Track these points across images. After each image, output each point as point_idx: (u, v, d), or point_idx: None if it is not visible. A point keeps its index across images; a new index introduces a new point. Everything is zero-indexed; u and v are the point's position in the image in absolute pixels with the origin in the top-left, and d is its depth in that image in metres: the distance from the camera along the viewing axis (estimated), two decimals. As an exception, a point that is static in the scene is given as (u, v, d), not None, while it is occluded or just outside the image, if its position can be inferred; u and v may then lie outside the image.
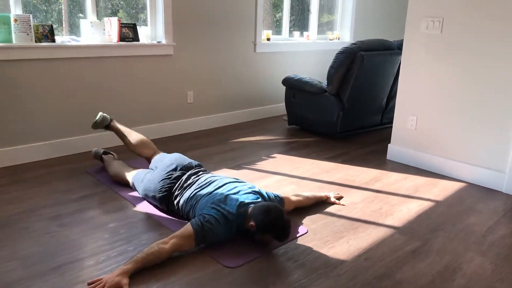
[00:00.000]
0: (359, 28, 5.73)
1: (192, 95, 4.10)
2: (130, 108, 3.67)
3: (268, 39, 4.71)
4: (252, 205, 2.15)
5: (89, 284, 1.78)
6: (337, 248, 2.16)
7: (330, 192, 2.78)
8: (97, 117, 2.97)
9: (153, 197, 2.45)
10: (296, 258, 2.07)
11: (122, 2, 3.73)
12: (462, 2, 2.96)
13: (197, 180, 2.40)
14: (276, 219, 2.05)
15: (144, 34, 3.68)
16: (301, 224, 2.40)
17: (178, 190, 2.38)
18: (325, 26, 5.64)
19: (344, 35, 5.69)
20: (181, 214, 2.38)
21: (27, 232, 2.19)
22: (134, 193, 2.69)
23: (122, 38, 3.49)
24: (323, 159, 3.53)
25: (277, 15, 5.10)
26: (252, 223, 2.05)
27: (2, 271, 1.86)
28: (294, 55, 5.00)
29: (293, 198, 2.52)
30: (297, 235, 2.27)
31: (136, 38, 3.58)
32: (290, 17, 5.10)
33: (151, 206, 2.52)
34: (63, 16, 3.40)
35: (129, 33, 3.54)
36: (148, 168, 2.72)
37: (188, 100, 4.08)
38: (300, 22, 5.32)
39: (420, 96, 3.31)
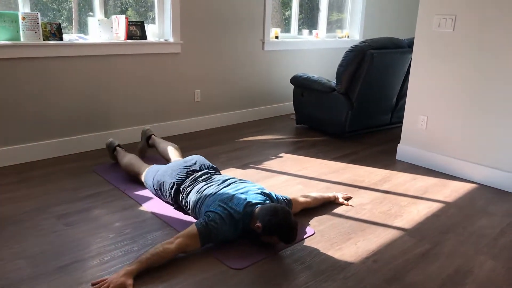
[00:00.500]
0: (369, 26, 5.66)
1: (199, 94, 4.08)
2: (137, 106, 3.66)
3: (277, 37, 4.67)
4: (260, 205, 2.13)
5: (93, 284, 1.77)
6: (344, 250, 2.13)
7: (338, 193, 2.74)
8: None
9: (167, 185, 2.43)
10: (303, 260, 2.04)
11: (131, 1, 3.72)
12: (475, -1, 2.90)
13: (209, 178, 2.42)
14: (283, 221, 2.02)
15: (152, 32, 3.67)
16: (308, 225, 2.36)
17: (190, 182, 2.39)
18: (334, 24, 5.59)
19: (353, 33, 5.63)
20: (186, 208, 2.37)
21: (34, 230, 2.19)
22: (141, 192, 2.68)
23: (129, 36, 3.48)
24: (331, 159, 3.48)
25: (286, 13, 5.06)
26: (258, 224, 2.03)
27: (10, 270, 1.86)
28: (302, 53, 4.95)
29: (301, 199, 2.49)
30: (304, 237, 2.24)
31: (143, 36, 3.57)
32: (299, 15, 5.05)
33: (157, 206, 2.51)
34: (73, 15, 3.40)
35: (136, 31, 3.53)
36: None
37: (196, 99, 4.06)
38: (309, 20, 5.27)
39: (430, 95, 3.25)
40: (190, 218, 2.37)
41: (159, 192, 2.53)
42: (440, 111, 3.21)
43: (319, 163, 3.38)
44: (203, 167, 2.53)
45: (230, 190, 2.24)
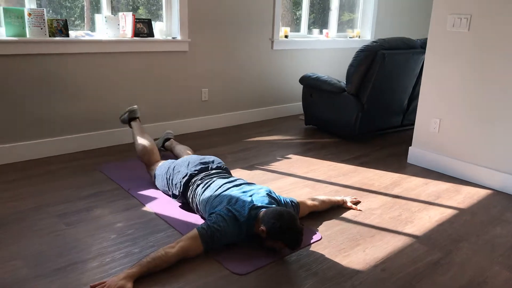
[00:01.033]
0: (381, 25, 5.56)
1: (207, 93, 4.02)
2: (143, 105, 3.61)
3: (286, 36, 4.60)
4: (264, 209, 2.06)
5: (92, 287, 1.72)
6: (352, 257, 2.05)
7: (347, 196, 2.66)
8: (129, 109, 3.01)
9: (180, 174, 2.40)
10: (309, 266, 1.96)
11: (143, -1, 3.69)
12: (492, -2, 2.80)
13: (220, 177, 2.37)
14: (289, 225, 1.94)
15: (159, 29, 3.62)
16: (316, 230, 2.29)
17: (202, 177, 2.36)
18: (345, 24, 5.49)
19: (365, 33, 5.53)
20: (192, 202, 2.34)
21: (34, 230, 2.14)
22: (145, 192, 2.62)
23: (136, 33, 3.43)
24: (341, 161, 3.40)
25: (297, 13, 4.98)
26: (262, 227, 1.96)
27: (7, 270, 1.81)
28: (312, 53, 4.87)
29: (309, 202, 2.41)
30: (311, 242, 2.16)
31: (151, 33, 3.52)
32: (311, 15, 4.97)
33: (161, 206, 2.45)
34: (85, 12, 3.36)
35: (143, 28, 3.48)
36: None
37: (203, 98, 4.00)
38: (320, 20, 5.18)
39: (444, 97, 3.15)
40: (194, 220, 2.30)
41: (169, 181, 2.47)
42: (454, 114, 3.11)
43: (327, 165, 3.30)
44: (219, 167, 2.50)
45: (236, 191, 2.18)
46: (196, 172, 2.41)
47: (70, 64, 3.14)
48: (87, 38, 3.19)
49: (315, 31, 5.08)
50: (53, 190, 2.61)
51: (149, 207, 2.44)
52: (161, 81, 3.68)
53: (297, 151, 3.60)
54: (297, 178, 3.00)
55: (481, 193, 2.89)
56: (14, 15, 2.86)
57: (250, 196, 2.14)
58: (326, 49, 5.01)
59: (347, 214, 2.49)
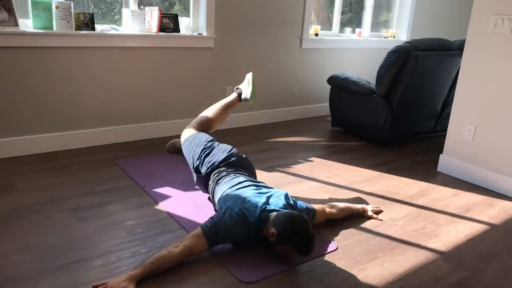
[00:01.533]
0: (418, 26, 5.31)
1: (231, 90, 3.94)
2: (166, 101, 3.59)
3: (317, 35, 4.46)
4: (276, 212, 1.96)
5: (94, 287, 1.68)
6: (368, 271, 1.92)
7: (368, 205, 2.52)
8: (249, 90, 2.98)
9: (215, 156, 2.44)
10: (321, 278, 1.85)
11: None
12: (539, -3, 2.57)
13: (244, 175, 2.32)
14: (300, 229, 1.85)
15: (185, 25, 3.58)
16: (332, 239, 2.17)
17: (231, 170, 2.34)
18: (382, 25, 5.28)
19: (400, 33, 5.30)
20: (209, 189, 2.37)
21: (46, 223, 2.14)
22: (161, 190, 2.59)
23: (162, 28, 3.40)
24: (366, 166, 3.25)
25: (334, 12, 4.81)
26: (273, 230, 1.86)
27: (15, 263, 1.81)
28: (343, 52, 4.70)
29: (326, 209, 2.30)
30: (325, 252, 2.05)
31: (176, 29, 3.48)
32: (347, 13, 4.80)
33: (175, 205, 2.40)
34: (123, 5, 3.35)
35: (169, 23, 3.45)
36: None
37: (227, 95, 3.93)
38: (357, 19, 5.00)
39: (480, 103, 2.94)
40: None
41: (201, 154, 2.48)
42: (490, 121, 2.89)
43: (351, 170, 3.16)
44: (249, 170, 2.46)
45: (252, 191, 2.10)
46: (230, 162, 2.38)
47: (95, 58, 3.15)
48: (112, 32, 3.19)
49: (348, 30, 4.91)
50: (70, 184, 2.61)
51: (162, 206, 2.40)
52: (185, 77, 3.64)
53: (320, 154, 3.47)
54: (317, 183, 2.89)
55: (517, 208, 2.68)
56: (41, 8, 2.89)
57: (267, 197, 2.06)
58: (358, 49, 4.83)
59: (366, 224, 2.35)
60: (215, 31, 3.67)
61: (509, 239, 2.28)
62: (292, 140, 3.77)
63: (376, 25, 5.13)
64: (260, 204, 1.98)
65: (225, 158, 2.42)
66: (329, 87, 4.35)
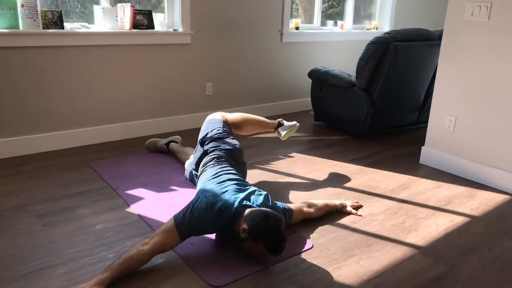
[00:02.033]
0: (401, 17, 5.25)
1: (211, 87, 3.87)
2: (143, 99, 3.50)
3: (297, 28, 4.39)
4: (252, 208, 1.89)
5: None
6: (344, 269, 1.86)
7: (347, 200, 2.46)
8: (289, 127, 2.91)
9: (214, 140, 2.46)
10: (294, 278, 1.79)
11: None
12: (516, -17, 2.52)
13: (231, 167, 2.27)
14: (273, 227, 1.78)
15: (159, 21, 3.48)
16: (308, 237, 2.10)
17: (225, 159, 2.32)
18: (366, 17, 5.21)
19: (383, 24, 5.24)
20: (199, 168, 2.38)
21: (10, 230, 2.05)
22: (133, 191, 2.51)
23: (135, 25, 3.31)
24: (347, 161, 3.19)
25: (323, 5, 4.73)
26: (244, 226, 1.79)
27: (-29, 274, 1.73)
28: (325, 45, 4.64)
29: (304, 209, 2.23)
30: (300, 251, 1.98)
31: (151, 25, 3.39)
32: (336, 7, 4.73)
33: (147, 208, 2.32)
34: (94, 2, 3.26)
35: (143, 20, 3.36)
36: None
37: (207, 93, 3.86)
38: (340, 11, 4.93)
39: (460, 93, 2.88)
40: (177, 223, 2.16)
41: (216, 135, 2.47)
42: (470, 111, 2.85)
43: (332, 165, 3.10)
44: (242, 171, 2.42)
45: (234, 185, 2.03)
46: (233, 153, 2.37)
47: (65, 58, 3.05)
48: (82, 30, 3.09)
49: (330, 23, 4.84)
50: (41, 187, 2.52)
51: (134, 208, 2.32)
52: (162, 75, 3.55)
53: (301, 149, 3.41)
54: (296, 179, 2.82)
55: (499, 199, 2.63)
56: (6, 6, 2.78)
57: (247, 193, 1.98)
58: (340, 42, 4.77)
59: (344, 220, 2.29)
60: (191, 27, 3.59)
61: (489, 231, 2.24)
62: (273, 136, 3.70)
63: (358, 17, 5.07)
64: (239, 199, 1.91)
65: (232, 147, 2.40)
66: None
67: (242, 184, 2.07)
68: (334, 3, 4.91)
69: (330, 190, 2.67)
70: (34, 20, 2.87)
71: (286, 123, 2.89)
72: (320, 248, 2.02)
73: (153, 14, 3.45)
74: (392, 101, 3.61)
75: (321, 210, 2.30)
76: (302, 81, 4.54)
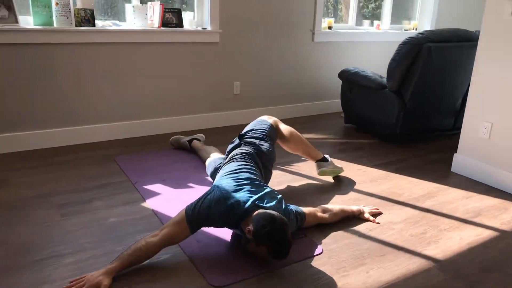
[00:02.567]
0: (443, 17, 5.00)
1: (238, 86, 3.86)
2: (170, 97, 3.55)
3: (330, 28, 4.29)
4: (261, 209, 1.85)
5: (71, 282, 1.65)
6: (351, 278, 1.78)
7: (366, 206, 2.37)
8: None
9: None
10: (298, 284, 1.74)
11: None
12: (562, -20, 2.31)
13: (253, 165, 2.22)
14: (278, 231, 1.73)
15: (188, 20, 3.52)
16: (319, 242, 2.04)
17: (255, 159, 2.29)
18: (403, 17, 5.02)
19: (423, 24, 5.02)
20: (224, 160, 2.42)
21: (29, 218, 2.14)
22: (151, 187, 2.55)
23: (164, 23, 3.36)
24: (372, 165, 3.07)
25: (370, 5, 4.60)
26: (250, 227, 1.76)
27: (-13, 258, 1.81)
28: (360, 46, 4.50)
29: (318, 214, 2.16)
30: (309, 256, 1.92)
31: (180, 23, 3.43)
32: (372, 4, 4.60)
33: (162, 203, 2.35)
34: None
35: (172, 18, 3.41)
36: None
37: (234, 91, 3.86)
38: (378, 11, 4.78)
39: (497, 98, 2.70)
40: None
41: (257, 134, 2.47)
42: (508, 118, 2.65)
43: (356, 169, 3.00)
44: (266, 177, 2.37)
45: (249, 183, 1.99)
46: (264, 155, 2.34)
47: (95, 54, 3.15)
48: (112, 27, 3.18)
49: (366, 22, 4.70)
50: (66, 179, 2.62)
51: (149, 203, 2.35)
52: (190, 73, 3.59)
53: (327, 151, 3.32)
54: (316, 181, 2.75)
55: (535, 213, 2.43)
56: (41, 4, 2.91)
57: (262, 194, 1.94)
58: (375, 42, 4.61)
59: (360, 227, 2.20)
60: (220, 25, 3.59)
61: (519, 247, 2.07)
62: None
63: (401, 18, 4.87)
64: (253, 198, 1.88)
65: (265, 150, 2.36)
66: (342, 82, 4.17)
67: (258, 185, 2.03)
68: (373, 4, 4.76)
69: (349, 195, 2.58)
70: (67, 18, 2.98)
71: (332, 161, 2.77)
72: (329, 254, 1.95)
73: (183, 12, 3.49)
74: (426, 105, 3.44)
75: (336, 215, 2.22)
76: (333, 82, 4.44)
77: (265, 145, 2.39)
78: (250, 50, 3.83)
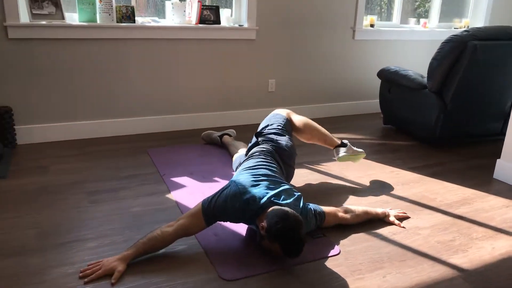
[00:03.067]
0: (498, 14, 4.69)
1: (274, 84, 3.85)
2: (205, 93, 3.61)
3: (372, 25, 4.16)
4: (277, 206, 1.84)
5: (89, 265, 1.74)
6: (365, 281, 1.72)
7: (393, 209, 2.27)
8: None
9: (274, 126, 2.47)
10: (309, 283, 1.70)
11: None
12: None
13: (278, 166, 2.22)
14: (290, 229, 1.71)
15: (226, 17, 3.55)
16: (337, 243, 1.99)
17: (274, 156, 2.27)
18: (454, 14, 4.76)
19: (475, 23, 4.74)
20: (244, 156, 2.39)
21: (62, 203, 2.26)
22: (178, 179, 2.60)
23: (202, 20, 3.42)
24: (407, 168, 2.95)
25: (426, 4, 4.43)
26: (263, 224, 1.75)
27: (19, 237, 1.93)
28: (403, 45, 4.33)
29: (339, 214, 2.11)
30: (325, 256, 1.88)
31: (217, 21, 3.48)
32: (427, 2, 4.42)
33: (186, 196, 2.40)
34: None
35: (210, 15, 3.46)
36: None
37: (269, 89, 3.85)
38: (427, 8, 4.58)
39: (546, 100, 2.49)
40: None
41: (273, 129, 2.45)
42: (558, 122, 2.44)
43: (389, 171, 2.89)
44: (287, 173, 2.36)
45: (267, 179, 1.98)
46: (283, 151, 2.31)
47: (135, 49, 3.27)
48: (151, 24, 3.28)
49: (412, 20, 4.51)
50: (99, 168, 2.74)
51: (173, 195, 2.40)
52: (226, 70, 3.62)
53: (360, 152, 3.22)
54: (345, 182, 2.68)
55: None
56: (86, 2, 3.07)
57: (279, 191, 1.92)
58: (421, 41, 4.42)
59: (384, 230, 2.12)
60: (257, 23, 3.60)
61: (560, 263, 1.90)
62: (336, 137, 3.55)
63: (451, 15, 4.63)
64: (269, 194, 1.87)
65: (283, 146, 2.32)
66: (381, 81, 4.04)
67: (276, 182, 2.02)
68: (429, 3, 4.57)
69: (378, 198, 2.49)
70: (109, 14, 3.12)
71: (350, 146, 2.70)
72: (346, 256, 1.89)
73: (220, 9, 3.53)
74: (469, 107, 3.25)
75: (359, 217, 2.15)
76: (373, 82, 4.30)
77: (283, 141, 2.35)
78: (286, 48, 3.80)
